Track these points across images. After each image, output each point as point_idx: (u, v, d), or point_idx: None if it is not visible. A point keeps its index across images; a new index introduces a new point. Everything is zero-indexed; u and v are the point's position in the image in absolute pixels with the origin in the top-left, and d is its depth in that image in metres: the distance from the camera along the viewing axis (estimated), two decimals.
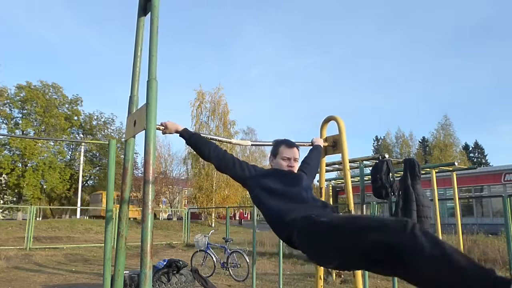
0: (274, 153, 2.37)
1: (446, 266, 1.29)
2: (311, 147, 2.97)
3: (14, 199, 33.96)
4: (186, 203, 45.61)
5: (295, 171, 2.33)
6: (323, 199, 3.17)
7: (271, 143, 3.11)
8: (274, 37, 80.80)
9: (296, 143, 2.43)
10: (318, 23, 79.24)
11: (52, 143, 33.51)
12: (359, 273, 2.76)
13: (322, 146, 3.03)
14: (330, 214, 1.93)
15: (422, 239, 1.34)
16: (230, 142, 2.74)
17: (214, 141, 2.90)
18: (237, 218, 44.10)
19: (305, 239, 1.81)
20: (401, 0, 72.94)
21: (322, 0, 78.26)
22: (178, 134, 2.37)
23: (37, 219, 27.84)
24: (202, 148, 2.33)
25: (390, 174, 4.50)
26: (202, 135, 2.87)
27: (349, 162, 5.02)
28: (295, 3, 78.44)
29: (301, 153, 2.90)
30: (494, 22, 67.56)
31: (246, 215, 56.87)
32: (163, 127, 2.25)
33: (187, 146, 2.80)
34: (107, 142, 3.33)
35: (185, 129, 2.39)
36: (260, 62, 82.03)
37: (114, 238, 4.97)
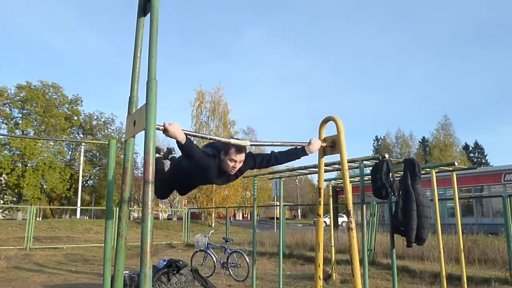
0: (225, 152, 2.79)
1: None
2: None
3: (14, 199, 33.96)
4: (186, 203, 45.59)
5: (236, 169, 2.83)
6: (322, 199, 3.17)
7: (270, 143, 3.11)
8: (275, 38, 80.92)
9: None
10: (318, 25, 79.32)
11: (52, 143, 33.50)
12: (358, 273, 2.77)
13: (310, 151, 3.04)
14: None
15: None
16: (229, 142, 2.74)
17: (213, 141, 2.96)
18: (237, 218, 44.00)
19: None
20: (402, 1, 73.04)
21: (323, 3, 78.33)
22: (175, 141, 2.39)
23: (37, 219, 27.83)
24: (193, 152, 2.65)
25: (390, 174, 4.50)
26: (201, 134, 2.96)
27: (349, 162, 5.03)
28: (296, 5, 78.49)
29: None
30: (494, 24, 67.59)
31: (246, 215, 56.89)
32: (163, 128, 2.24)
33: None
34: (107, 142, 3.33)
35: (187, 140, 2.43)
36: (261, 63, 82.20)
37: (114, 238, 4.97)
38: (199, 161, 2.70)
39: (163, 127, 2.22)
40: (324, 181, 3.47)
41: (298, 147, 3.05)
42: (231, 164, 2.78)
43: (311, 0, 79.04)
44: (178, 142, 2.38)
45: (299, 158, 3.07)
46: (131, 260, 10.45)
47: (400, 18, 75.96)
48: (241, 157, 2.80)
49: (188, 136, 2.44)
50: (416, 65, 74.31)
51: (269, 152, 3.06)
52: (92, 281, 8.02)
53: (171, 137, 2.29)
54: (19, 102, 32.73)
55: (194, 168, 2.78)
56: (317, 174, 3.33)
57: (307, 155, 3.06)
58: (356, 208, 14.34)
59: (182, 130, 2.34)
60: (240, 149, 2.79)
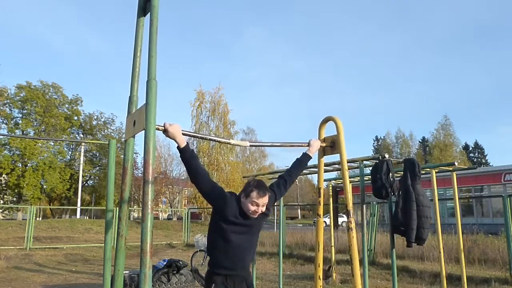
0: (246, 194, 2.45)
1: None
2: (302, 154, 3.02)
3: (14, 199, 33.94)
4: (186, 203, 45.59)
5: (258, 213, 2.46)
6: (321, 199, 3.18)
7: (270, 144, 3.11)
8: (275, 38, 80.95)
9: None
10: (319, 25, 79.34)
11: (52, 143, 33.48)
12: (358, 273, 2.77)
13: (312, 152, 3.02)
14: None
15: None
16: (229, 143, 2.73)
17: (213, 141, 2.93)
18: None
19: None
20: (402, 1, 73.05)
21: (323, 3, 78.36)
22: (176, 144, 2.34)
23: (37, 219, 27.82)
24: (197, 169, 2.40)
25: (390, 174, 4.50)
26: (201, 135, 2.91)
27: (349, 162, 5.02)
28: (296, 5, 78.52)
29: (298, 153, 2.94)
30: (494, 24, 67.61)
31: None
32: (163, 128, 2.24)
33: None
34: (107, 142, 3.33)
35: (187, 145, 2.35)
36: (261, 63, 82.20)
37: (114, 238, 4.97)
38: (211, 189, 2.44)
39: (163, 127, 2.22)
40: (324, 181, 3.48)
41: (298, 157, 3.01)
42: (253, 208, 2.41)
43: (311, 0, 79.08)
44: (177, 145, 2.34)
45: (306, 164, 3.02)
46: (131, 260, 10.45)
47: (400, 18, 75.94)
48: (264, 200, 2.43)
49: (190, 148, 2.39)
50: (416, 65, 74.29)
51: (278, 178, 2.88)
52: (92, 281, 8.02)
53: (170, 137, 2.27)
54: (19, 102, 32.71)
55: (213, 207, 2.49)
56: (317, 174, 3.33)
57: (311, 157, 3.02)
58: (356, 208, 14.33)
59: (182, 130, 2.32)
60: (263, 191, 2.43)
